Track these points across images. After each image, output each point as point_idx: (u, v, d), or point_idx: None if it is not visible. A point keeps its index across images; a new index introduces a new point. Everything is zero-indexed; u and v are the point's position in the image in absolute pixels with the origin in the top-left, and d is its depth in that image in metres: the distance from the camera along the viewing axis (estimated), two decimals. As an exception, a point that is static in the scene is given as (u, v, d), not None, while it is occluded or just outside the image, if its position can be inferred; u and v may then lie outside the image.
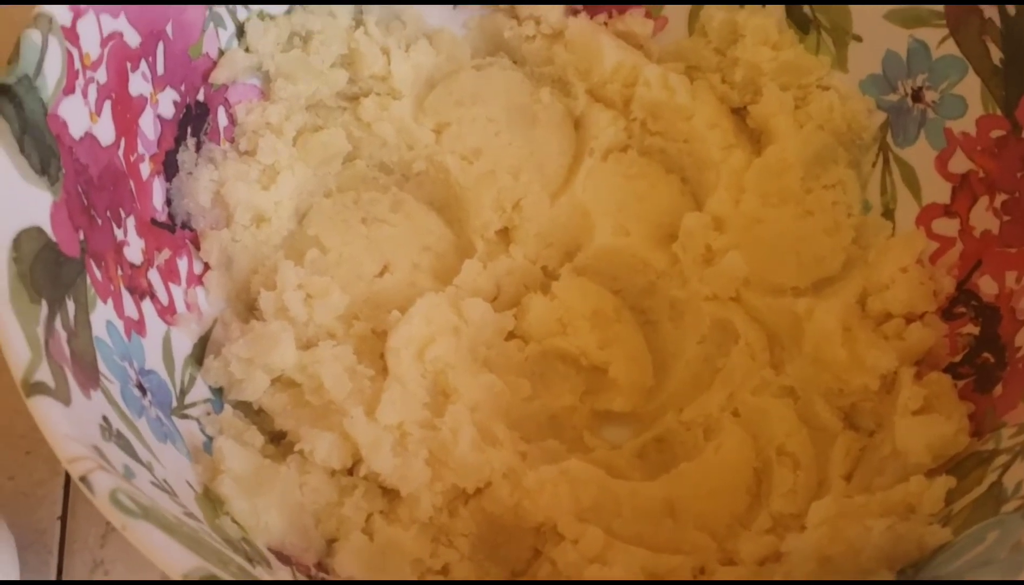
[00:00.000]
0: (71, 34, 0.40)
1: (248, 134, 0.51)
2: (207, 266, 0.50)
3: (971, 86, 0.48)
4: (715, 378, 0.51)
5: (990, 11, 0.46)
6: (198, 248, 0.49)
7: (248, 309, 0.50)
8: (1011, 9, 0.45)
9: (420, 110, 0.56)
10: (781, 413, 0.48)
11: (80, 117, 0.41)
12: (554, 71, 0.57)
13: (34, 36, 0.39)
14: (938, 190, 0.50)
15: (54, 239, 0.38)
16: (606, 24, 0.57)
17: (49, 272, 0.37)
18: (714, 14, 0.55)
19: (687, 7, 0.56)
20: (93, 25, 0.42)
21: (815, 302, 0.49)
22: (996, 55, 0.46)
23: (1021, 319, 0.44)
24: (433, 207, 0.56)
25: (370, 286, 0.52)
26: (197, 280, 0.49)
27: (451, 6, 0.57)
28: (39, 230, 0.37)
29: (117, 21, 0.43)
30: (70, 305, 0.37)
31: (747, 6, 0.55)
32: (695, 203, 0.56)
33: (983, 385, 0.44)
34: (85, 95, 0.41)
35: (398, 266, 0.53)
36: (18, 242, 0.35)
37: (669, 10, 0.57)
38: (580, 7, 0.57)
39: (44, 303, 0.35)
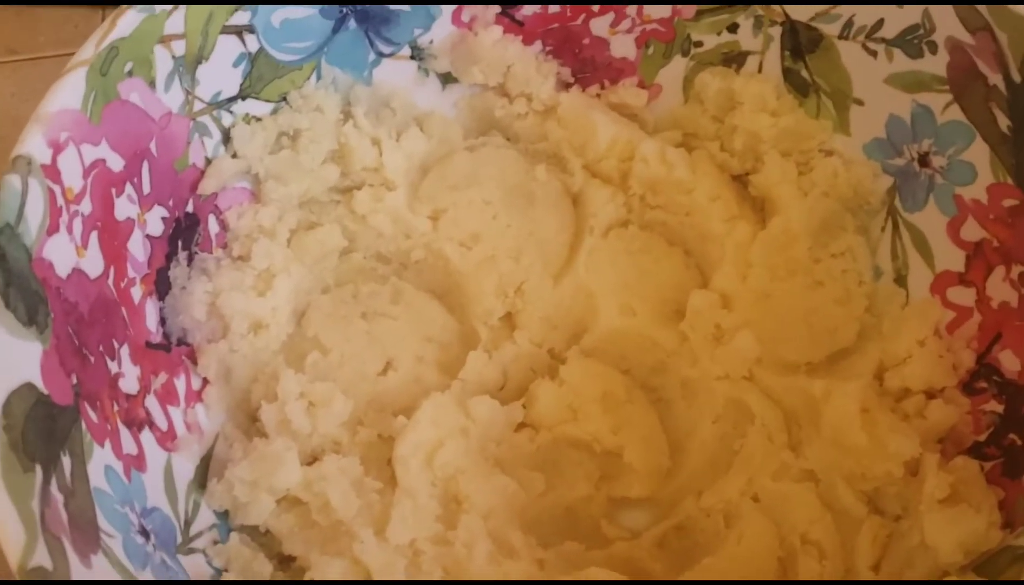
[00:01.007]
0: (52, 171, 0.39)
1: (241, 239, 0.50)
2: (205, 381, 0.48)
3: (980, 153, 0.46)
4: (733, 460, 0.50)
5: (994, 77, 0.45)
6: (195, 363, 0.48)
7: (250, 419, 0.49)
8: (1016, 76, 0.44)
9: (415, 197, 0.55)
10: (803, 498, 0.47)
11: (66, 254, 0.40)
12: (549, 147, 0.56)
13: (14, 181, 0.38)
14: (951, 257, 0.48)
15: (45, 391, 0.36)
16: (599, 96, 0.56)
17: (42, 430, 0.35)
18: (709, 82, 0.54)
19: (681, 75, 0.55)
20: (74, 157, 0.41)
21: (832, 384, 0.47)
22: (1003, 122, 0.45)
23: (1047, 400, 0.42)
24: (434, 295, 0.55)
25: (374, 386, 0.51)
26: (196, 396, 0.48)
27: (440, 88, 0.55)
28: (29, 386, 0.36)
29: (98, 148, 0.42)
30: (66, 462, 0.36)
31: (743, 72, 0.53)
32: (701, 276, 0.54)
33: (1011, 470, 0.43)
34: (70, 230, 0.40)
35: (402, 361, 0.52)
36: (8, 406, 0.34)
37: (662, 78, 0.55)
38: (572, 80, 0.56)
39: (38, 469, 0.34)
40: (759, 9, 0.51)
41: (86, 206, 0.41)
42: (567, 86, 0.56)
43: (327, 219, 0.53)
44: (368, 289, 0.54)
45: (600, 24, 0.54)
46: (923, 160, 0.49)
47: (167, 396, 0.46)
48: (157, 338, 0.46)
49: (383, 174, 0.53)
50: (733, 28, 0.53)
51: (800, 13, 0.50)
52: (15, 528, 0.32)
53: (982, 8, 0.44)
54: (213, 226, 0.50)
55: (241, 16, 0.46)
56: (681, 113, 0.56)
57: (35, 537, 0.32)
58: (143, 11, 0.42)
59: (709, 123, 0.55)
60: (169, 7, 0.43)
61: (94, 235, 0.42)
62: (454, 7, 0.52)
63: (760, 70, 0.53)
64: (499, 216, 0.55)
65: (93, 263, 0.42)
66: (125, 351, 0.43)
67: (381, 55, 0.53)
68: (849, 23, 0.49)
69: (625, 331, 0.53)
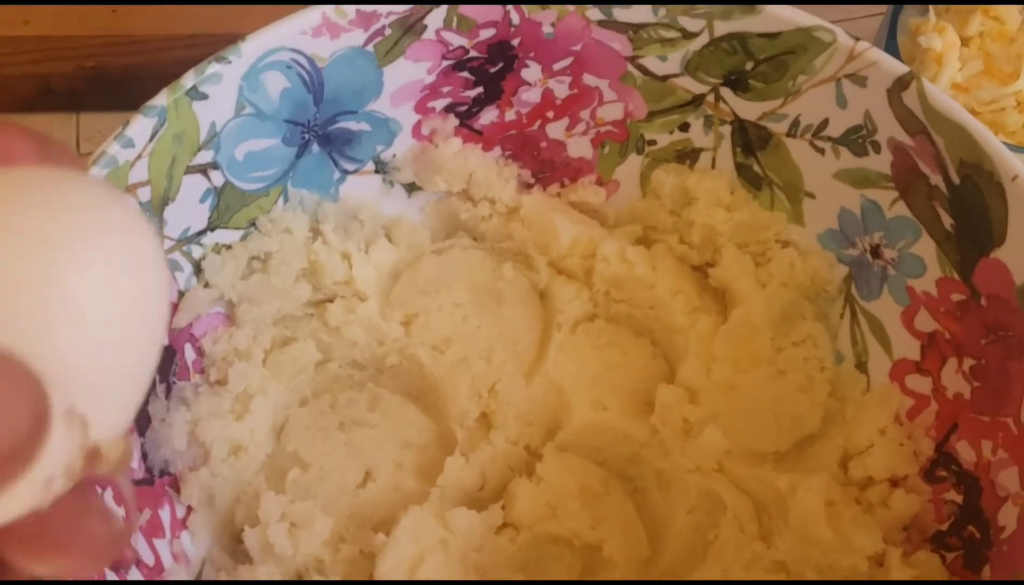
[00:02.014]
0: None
1: (217, 364, 0.51)
2: (190, 508, 0.50)
3: (927, 248, 0.48)
4: (708, 550, 0.51)
5: (935, 178, 0.46)
6: (178, 492, 0.50)
7: (235, 541, 0.50)
8: (955, 178, 0.45)
9: (387, 304, 0.56)
10: (776, 590, 0.48)
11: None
12: (514, 246, 0.58)
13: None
14: (908, 346, 0.50)
15: (30, 556, 0.38)
16: (559, 195, 0.58)
17: (28, 598, 0.37)
18: (664, 179, 0.55)
19: (637, 171, 0.56)
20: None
21: (797, 479, 0.49)
22: (947, 220, 0.46)
23: (1002, 495, 0.44)
24: (410, 397, 0.56)
25: (354, 499, 0.52)
26: (181, 524, 0.49)
27: (406, 196, 0.57)
28: (14, 554, 0.37)
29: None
30: (52, 625, 0.37)
31: (697, 168, 0.55)
32: (668, 366, 0.56)
33: (972, 563, 0.44)
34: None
35: (380, 470, 0.53)
36: (-8, 583, 0.36)
37: (619, 174, 0.57)
38: (532, 181, 0.57)
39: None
40: (708, 109, 0.53)
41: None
42: (528, 186, 0.58)
43: (301, 334, 0.54)
44: (345, 397, 0.55)
45: (556, 128, 0.55)
46: (875, 252, 0.50)
47: (152, 530, 0.47)
48: (140, 474, 0.48)
49: (354, 286, 0.54)
50: (684, 127, 0.54)
51: (747, 112, 0.52)
52: None
53: (918, 113, 0.45)
54: (189, 354, 0.51)
55: (204, 155, 0.48)
56: (640, 207, 0.57)
57: None
58: (107, 166, 0.44)
59: (667, 217, 0.56)
60: (132, 158, 0.45)
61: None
62: (413, 123, 0.54)
63: (713, 166, 0.55)
64: (469, 317, 0.56)
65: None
66: (108, 495, 0.45)
67: (346, 173, 0.54)
68: (795, 122, 0.51)
69: (598, 425, 0.54)
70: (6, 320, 0.21)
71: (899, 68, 0.46)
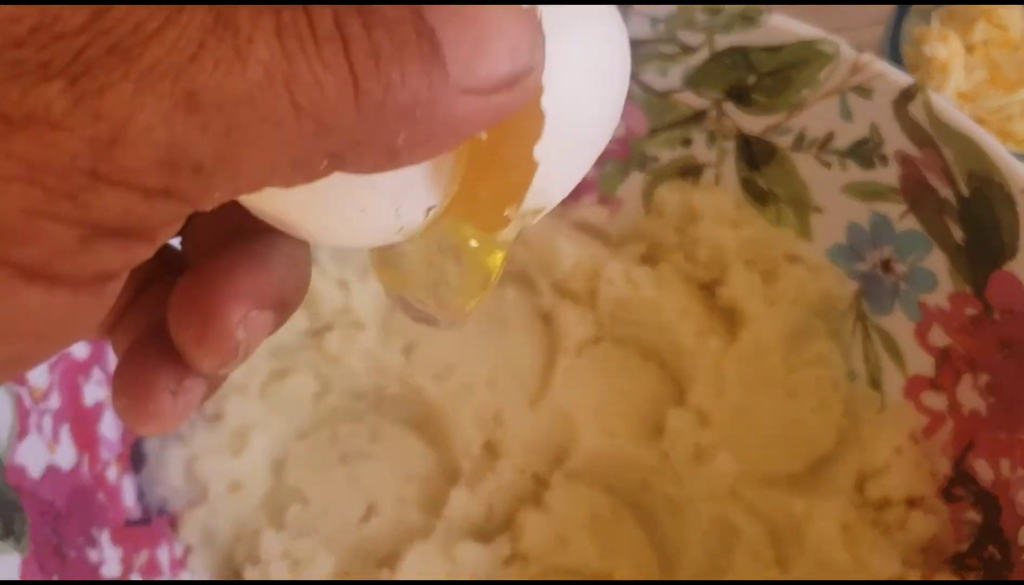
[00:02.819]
0: (17, 377, 0.39)
1: (213, 398, 0.50)
2: (188, 548, 0.49)
3: (938, 262, 0.46)
4: (722, 577, 0.50)
5: (944, 191, 0.45)
6: (176, 531, 0.48)
7: (236, 577, 0.49)
8: (964, 190, 0.44)
9: (386, 332, 0.55)
10: (793, 617, 0.47)
11: (38, 454, 0.40)
12: (516, 268, 0.56)
13: (-22, 396, 0.38)
14: (922, 362, 0.48)
15: (24, 604, 0.37)
16: (561, 215, 0.57)
17: (21, 649, 0.36)
18: (667, 197, 0.54)
19: (640, 189, 0.55)
20: (38, 356, 0.41)
21: (813, 503, 0.47)
22: (957, 234, 0.45)
23: (1021, 514, 0.42)
24: (413, 427, 0.55)
25: (357, 534, 0.51)
26: (180, 564, 0.48)
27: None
28: (7, 603, 0.36)
29: (63, 341, 0.42)
30: (47, 677, 0.36)
31: (700, 184, 0.54)
32: (677, 388, 0.54)
33: (994, 586, 0.43)
34: (39, 430, 0.40)
35: (383, 504, 0.52)
36: (-15, 633, 0.34)
37: (622, 192, 0.56)
38: (533, 202, 0.56)
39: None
40: (710, 124, 0.52)
41: (54, 401, 0.42)
42: (529, 208, 0.56)
43: (299, 364, 0.53)
44: (346, 429, 0.54)
45: (556, 148, 0.54)
46: (886, 266, 0.49)
47: (151, 571, 0.46)
48: (136, 514, 0.46)
49: (352, 315, 0.53)
50: (687, 143, 0.53)
51: (751, 127, 0.51)
52: None
53: (925, 125, 0.44)
54: (186, 388, 0.50)
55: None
56: (643, 225, 0.56)
57: None
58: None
59: (672, 235, 0.55)
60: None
61: (64, 427, 0.42)
62: (410, 147, 0.53)
63: (717, 182, 0.53)
64: (471, 343, 0.55)
65: (66, 455, 0.42)
66: (105, 536, 0.43)
67: (341, 199, 0.53)
68: (800, 136, 0.50)
69: (606, 452, 0.53)
70: None
71: (904, 79, 0.45)
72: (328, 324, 0.54)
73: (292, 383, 0.52)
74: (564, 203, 0.58)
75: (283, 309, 0.24)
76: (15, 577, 0.37)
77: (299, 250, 0.24)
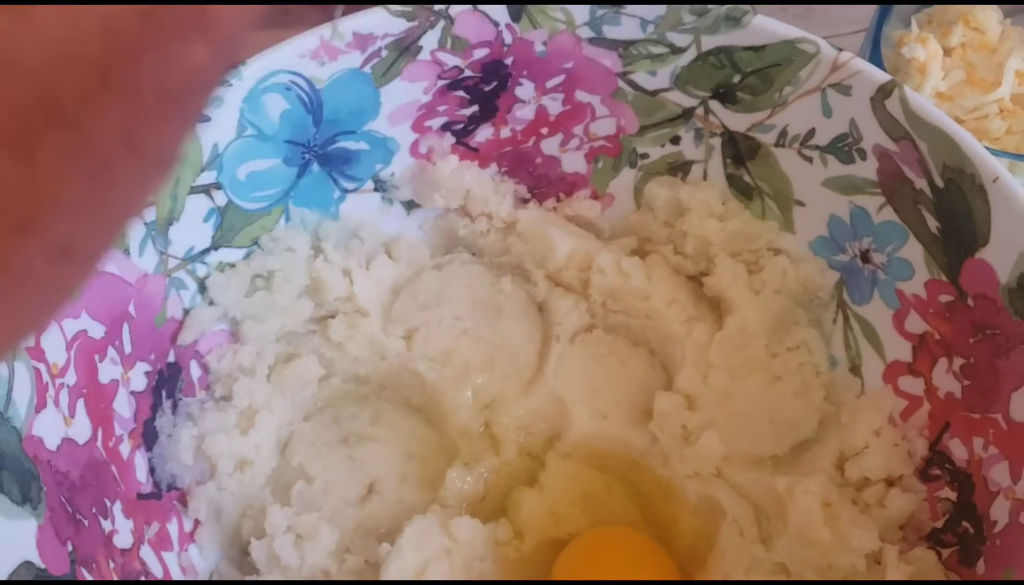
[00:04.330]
0: (36, 352, 0.42)
1: (222, 380, 0.52)
2: (197, 522, 0.51)
3: (914, 251, 0.49)
4: (708, 554, 0.52)
5: (920, 182, 0.47)
6: (186, 506, 0.50)
7: (242, 554, 0.51)
8: (939, 181, 0.46)
9: (388, 320, 0.57)
10: (776, 591, 0.49)
11: (55, 427, 0.42)
12: (512, 260, 0.59)
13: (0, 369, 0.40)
14: (899, 348, 0.51)
15: (42, 566, 0.38)
16: (555, 209, 0.59)
17: (40, 607, 0.38)
18: (657, 192, 0.57)
19: (631, 184, 0.58)
20: (56, 334, 0.43)
21: (795, 480, 0.49)
22: (933, 224, 0.47)
23: (993, 490, 0.44)
24: (412, 410, 0.57)
25: (359, 511, 0.53)
26: (189, 538, 0.50)
27: (405, 213, 0.58)
28: (27, 564, 0.38)
29: (79, 321, 0.44)
30: (65, 632, 0.38)
31: (689, 180, 0.56)
32: (666, 374, 0.57)
33: (967, 558, 0.45)
34: (57, 403, 0.42)
35: (384, 482, 0.54)
36: (7, 590, 0.36)
37: (614, 188, 0.58)
38: (528, 196, 0.59)
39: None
40: (698, 122, 0.54)
41: (71, 377, 0.44)
42: (525, 202, 0.59)
43: (304, 350, 0.55)
44: (348, 412, 0.56)
45: (550, 144, 0.57)
46: (865, 256, 0.52)
47: (161, 543, 0.48)
48: (147, 488, 0.48)
49: (355, 302, 0.56)
50: (675, 140, 0.55)
51: (736, 124, 0.53)
52: None
53: (901, 119, 0.47)
54: (195, 370, 0.52)
55: (207, 175, 0.49)
56: (634, 220, 0.58)
57: None
58: (114, 187, 0.45)
59: (661, 228, 0.57)
60: (138, 179, 0.46)
61: (80, 402, 0.44)
62: (411, 142, 0.55)
63: (705, 177, 0.56)
64: (470, 331, 0.57)
65: (81, 429, 0.44)
66: (118, 507, 0.45)
67: (346, 191, 0.55)
68: (783, 132, 0.52)
69: (598, 434, 0.55)
70: None
71: (881, 76, 0.47)
72: (332, 311, 0.56)
73: (298, 367, 0.54)
74: (558, 198, 0.60)
75: None
76: (32, 541, 0.39)
77: None
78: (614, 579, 0.50)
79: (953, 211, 0.46)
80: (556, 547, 0.53)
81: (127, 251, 0.47)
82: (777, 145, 0.53)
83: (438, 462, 0.55)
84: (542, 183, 0.58)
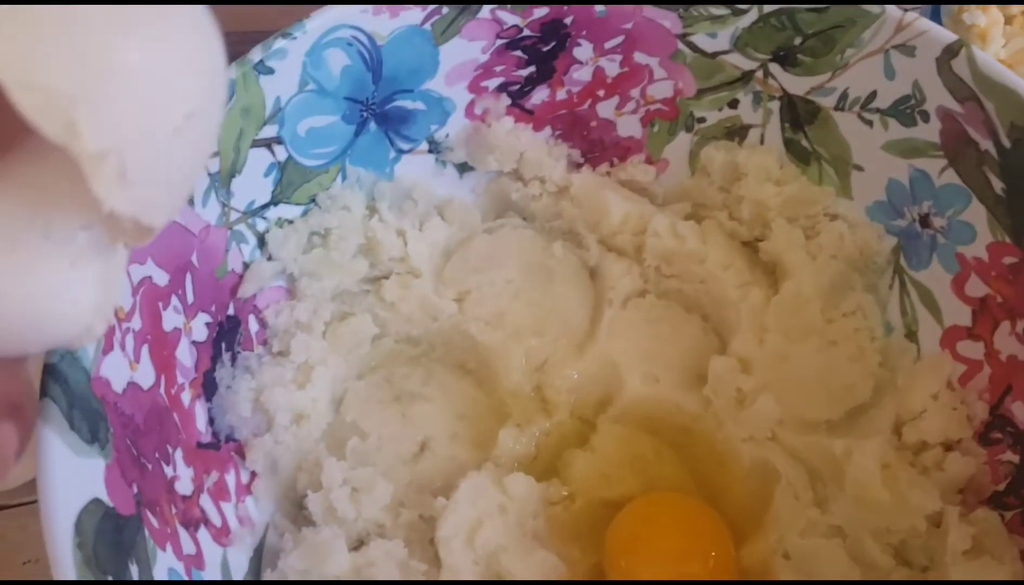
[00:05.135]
0: (105, 294, 0.42)
1: (280, 335, 0.53)
2: (254, 474, 0.51)
3: (977, 214, 0.48)
4: (762, 518, 0.52)
5: (985, 143, 0.47)
6: (243, 458, 0.51)
7: (297, 507, 0.52)
8: (1005, 141, 0.46)
9: (440, 281, 0.57)
10: (832, 554, 0.49)
11: (121, 370, 0.42)
12: (564, 224, 0.59)
13: (71, 309, 0.40)
14: (958, 312, 0.50)
15: (111, 504, 0.39)
16: (609, 174, 0.59)
17: (110, 543, 0.38)
18: (714, 155, 0.56)
19: (686, 149, 0.58)
20: (124, 279, 0.43)
21: (852, 442, 0.49)
22: (997, 185, 0.47)
23: (1058, 451, 0.44)
24: (465, 371, 0.57)
25: (412, 468, 0.53)
26: (246, 490, 0.50)
27: (458, 177, 0.58)
28: (96, 501, 0.38)
29: (145, 267, 0.45)
30: (133, 570, 0.39)
31: (746, 145, 0.56)
32: (719, 340, 0.56)
33: (1030, 520, 0.45)
34: (123, 347, 0.43)
35: (437, 440, 0.54)
36: (79, 525, 0.37)
37: (669, 153, 0.58)
38: (582, 160, 0.59)
39: (110, 580, 0.37)
40: (757, 85, 0.54)
41: (136, 322, 0.44)
42: (578, 166, 0.59)
43: (359, 309, 0.56)
44: (401, 372, 0.56)
45: (606, 107, 0.57)
46: (924, 221, 0.51)
47: (219, 493, 0.48)
48: (207, 438, 0.49)
49: (409, 263, 0.56)
50: (733, 104, 0.55)
51: (796, 87, 0.53)
52: (95, 642, 0.34)
53: (968, 79, 0.46)
54: (253, 325, 0.53)
55: (269, 129, 0.49)
56: (689, 185, 0.58)
57: (114, 649, 0.34)
58: (180, 136, 0.45)
59: (716, 194, 0.57)
60: (204, 129, 0.46)
61: (145, 348, 0.44)
62: (467, 102, 0.55)
63: (762, 142, 0.56)
64: (521, 294, 0.57)
65: (145, 375, 0.44)
66: (179, 454, 0.46)
67: (401, 152, 0.56)
68: (844, 95, 0.52)
69: (650, 398, 0.55)
70: (75, 73, 0.22)
71: (948, 36, 0.47)
72: (386, 272, 0.56)
73: (353, 325, 0.54)
74: (612, 163, 0.60)
75: (19, 414, 0.26)
76: (101, 480, 0.39)
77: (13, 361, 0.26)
78: (670, 544, 0.50)
79: (1020, 171, 0.46)
80: (607, 508, 0.53)
81: (191, 201, 0.47)
82: (837, 109, 0.52)
83: (489, 423, 0.55)
84: (596, 147, 0.58)
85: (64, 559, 0.35)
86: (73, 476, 0.38)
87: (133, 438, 0.42)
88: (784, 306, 0.54)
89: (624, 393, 0.55)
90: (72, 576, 0.35)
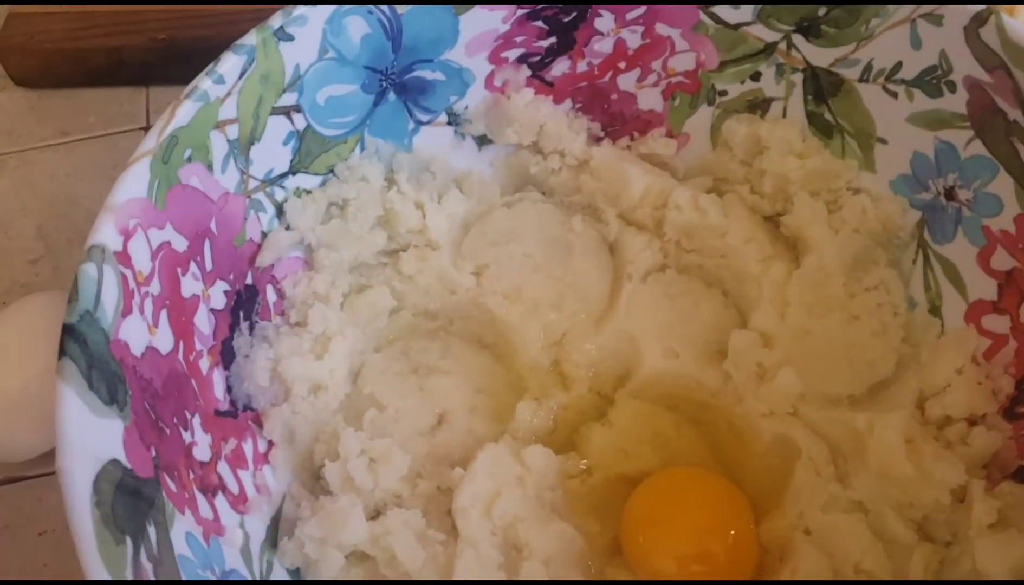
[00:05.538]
0: (123, 257, 0.42)
1: (297, 306, 0.52)
2: (271, 443, 0.51)
3: (1004, 185, 0.48)
4: (783, 494, 0.51)
5: (1014, 113, 0.46)
6: (261, 427, 0.50)
7: (314, 478, 0.51)
8: (1035, 111, 0.45)
9: (458, 255, 0.57)
10: (854, 529, 0.48)
11: (140, 334, 0.42)
12: (583, 199, 0.58)
13: (90, 270, 0.40)
14: (984, 286, 0.50)
15: (129, 466, 0.39)
16: (629, 147, 0.58)
17: (128, 503, 0.38)
18: (736, 129, 0.56)
19: (708, 123, 0.57)
20: (143, 242, 0.43)
21: (875, 416, 0.48)
22: (1026, 155, 0.46)
23: (1086, 424, 0.43)
24: (482, 345, 0.57)
25: (429, 440, 0.52)
26: (263, 459, 0.50)
27: (477, 150, 0.58)
28: (115, 462, 0.38)
29: (164, 231, 0.45)
30: (151, 531, 0.38)
31: (768, 118, 0.55)
32: (739, 315, 0.56)
33: (1056, 493, 0.44)
34: (142, 311, 0.43)
35: (454, 413, 0.54)
36: (98, 484, 0.36)
37: (690, 127, 0.58)
38: (602, 134, 0.58)
39: (128, 541, 0.36)
40: (780, 57, 0.53)
41: (155, 287, 0.44)
42: (598, 140, 0.58)
43: (376, 281, 0.55)
44: (418, 345, 0.56)
45: (627, 80, 0.56)
46: (949, 194, 0.51)
47: (237, 460, 0.48)
48: (225, 406, 0.48)
49: (427, 235, 0.55)
50: (756, 76, 0.55)
51: (819, 59, 0.52)
52: (115, 599, 0.34)
53: (997, 48, 0.46)
54: (271, 295, 0.52)
55: (288, 97, 0.49)
56: (710, 159, 0.57)
57: (133, 607, 0.34)
58: (199, 100, 0.45)
59: (738, 167, 0.57)
60: (222, 94, 0.46)
61: (163, 313, 0.44)
62: (486, 74, 0.55)
63: (784, 115, 0.55)
64: (539, 268, 0.57)
65: (164, 340, 0.44)
66: (197, 421, 0.46)
67: (420, 123, 0.55)
68: (868, 67, 0.51)
69: (669, 373, 0.55)
70: None
71: (976, 5, 0.46)
72: (404, 244, 0.56)
73: (371, 297, 0.54)
74: (632, 137, 0.60)
75: None
76: (119, 441, 0.39)
77: None
78: (689, 519, 0.50)
79: (1049, 141, 0.45)
80: (624, 483, 0.53)
81: (210, 167, 0.47)
82: (861, 80, 0.52)
83: (506, 397, 0.55)
84: (616, 121, 0.58)
85: (83, 518, 0.35)
86: (92, 436, 0.38)
87: (151, 402, 0.42)
88: (806, 280, 0.53)
89: (643, 368, 0.55)
90: (91, 535, 0.35)
